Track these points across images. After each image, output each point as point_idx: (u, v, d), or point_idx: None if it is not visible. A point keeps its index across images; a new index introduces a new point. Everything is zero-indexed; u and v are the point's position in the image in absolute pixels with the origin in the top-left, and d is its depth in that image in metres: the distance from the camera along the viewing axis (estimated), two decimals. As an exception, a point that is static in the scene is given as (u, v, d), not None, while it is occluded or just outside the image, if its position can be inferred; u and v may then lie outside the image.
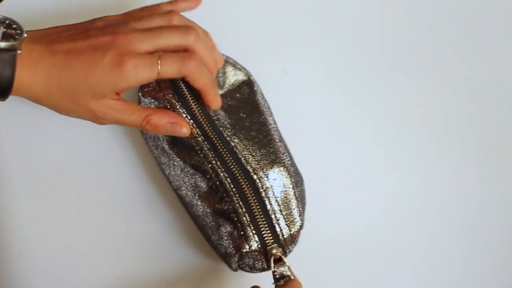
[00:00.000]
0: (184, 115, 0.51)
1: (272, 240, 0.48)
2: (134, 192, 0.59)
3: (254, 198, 0.49)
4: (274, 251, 0.48)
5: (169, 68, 0.48)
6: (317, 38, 0.63)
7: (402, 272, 0.61)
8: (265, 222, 0.49)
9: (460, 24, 0.65)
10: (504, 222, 0.62)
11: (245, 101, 0.54)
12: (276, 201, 0.49)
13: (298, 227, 0.50)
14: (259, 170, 0.50)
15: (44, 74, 0.47)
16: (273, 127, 0.53)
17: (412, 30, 0.65)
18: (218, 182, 0.50)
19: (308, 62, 0.63)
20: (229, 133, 0.51)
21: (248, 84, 0.55)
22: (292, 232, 0.49)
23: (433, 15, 0.65)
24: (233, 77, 0.55)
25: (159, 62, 0.48)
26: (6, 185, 0.58)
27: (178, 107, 0.51)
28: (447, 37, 0.65)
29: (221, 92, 0.54)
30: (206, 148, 0.50)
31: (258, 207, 0.49)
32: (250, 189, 0.49)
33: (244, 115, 0.53)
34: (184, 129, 0.50)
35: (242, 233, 0.48)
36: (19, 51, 0.46)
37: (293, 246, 0.50)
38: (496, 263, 0.62)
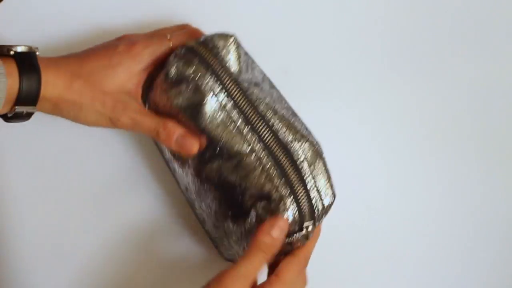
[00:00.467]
0: (216, 83, 0.50)
1: (308, 211, 0.48)
2: (139, 192, 0.59)
3: (292, 169, 0.49)
4: (306, 223, 0.48)
5: (179, 40, 0.52)
6: (317, 38, 0.63)
7: (402, 272, 0.61)
8: (303, 193, 0.48)
9: (460, 24, 0.65)
10: (504, 222, 0.62)
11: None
12: (311, 173, 0.49)
13: (331, 200, 0.50)
14: (295, 142, 0.50)
15: (65, 69, 0.50)
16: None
17: (413, 30, 0.65)
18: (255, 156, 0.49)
19: (308, 62, 0.63)
20: (264, 106, 0.51)
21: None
22: (325, 205, 0.49)
23: (433, 16, 0.65)
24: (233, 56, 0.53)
25: (169, 36, 0.53)
26: (6, 185, 0.58)
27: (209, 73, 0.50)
28: (447, 38, 0.65)
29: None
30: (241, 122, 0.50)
31: (297, 179, 0.48)
32: (288, 161, 0.49)
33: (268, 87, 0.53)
34: (195, 146, 0.50)
35: (280, 205, 0.48)
36: (37, 52, 0.49)
37: (324, 218, 0.50)
38: (496, 263, 0.62)
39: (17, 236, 0.57)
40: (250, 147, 0.49)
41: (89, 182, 0.58)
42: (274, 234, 0.46)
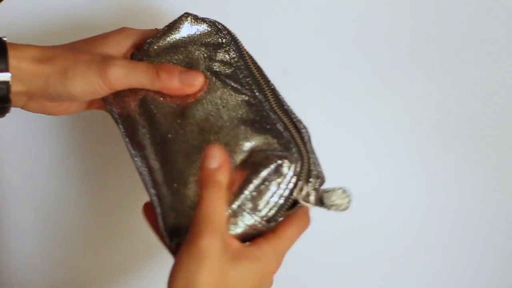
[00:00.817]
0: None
1: (306, 173, 0.47)
2: (135, 190, 0.59)
3: (295, 130, 0.49)
4: (301, 182, 0.47)
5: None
6: (317, 38, 0.63)
7: (401, 270, 0.61)
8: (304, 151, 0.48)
9: (460, 24, 0.65)
10: (504, 222, 0.62)
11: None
12: (311, 146, 0.50)
13: (322, 181, 0.49)
14: (292, 112, 0.51)
15: (40, 49, 0.47)
16: None
17: (413, 30, 0.65)
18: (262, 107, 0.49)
19: (308, 62, 0.63)
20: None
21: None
22: (319, 170, 0.49)
23: (433, 16, 0.65)
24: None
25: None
26: (6, 186, 0.58)
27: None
28: (447, 38, 0.65)
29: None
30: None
31: (299, 139, 0.49)
32: (290, 123, 0.49)
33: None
34: (200, 77, 0.48)
35: (290, 145, 0.47)
36: (4, 38, 0.47)
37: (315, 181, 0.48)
38: (496, 263, 0.62)
39: (17, 236, 0.57)
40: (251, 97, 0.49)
41: (89, 183, 0.58)
42: (213, 164, 0.44)
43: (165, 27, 0.51)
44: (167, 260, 0.58)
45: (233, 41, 0.53)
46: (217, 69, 0.51)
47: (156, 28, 0.52)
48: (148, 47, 0.50)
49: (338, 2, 0.64)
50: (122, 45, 0.50)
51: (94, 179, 0.58)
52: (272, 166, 0.45)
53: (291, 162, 0.46)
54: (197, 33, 0.52)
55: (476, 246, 0.62)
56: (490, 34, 0.65)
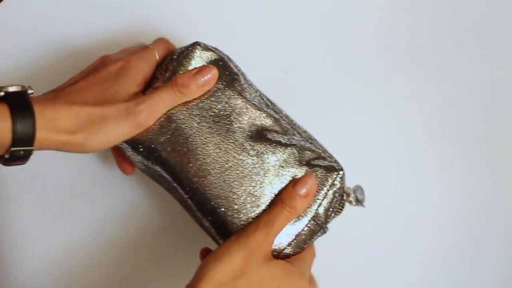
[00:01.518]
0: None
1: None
2: (136, 192, 0.59)
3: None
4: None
5: (161, 48, 0.53)
6: (317, 38, 0.63)
7: (402, 270, 0.61)
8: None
9: (460, 24, 0.65)
10: (504, 222, 0.62)
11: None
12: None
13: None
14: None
15: (64, 99, 0.48)
16: None
17: (413, 30, 0.65)
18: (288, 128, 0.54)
19: (308, 62, 0.63)
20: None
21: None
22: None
23: (433, 16, 0.65)
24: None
25: (151, 46, 0.53)
26: (6, 187, 0.58)
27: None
28: (447, 38, 0.65)
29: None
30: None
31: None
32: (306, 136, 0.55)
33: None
34: (213, 69, 0.51)
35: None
36: (30, 91, 0.47)
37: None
38: (497, 263, 0.62)
39: (16, 237, 0.57)
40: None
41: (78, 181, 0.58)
42: (301, 191, 0.49)
43: (177, 54, 0.53)
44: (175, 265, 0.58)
45: (241, 72, 0.55)
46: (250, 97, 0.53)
47: (147, 46, 0.53)
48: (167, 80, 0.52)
49: (338, 2, 0.64)
50: (135, 83, 0.50)
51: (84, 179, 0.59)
52: (330, 181, 0.52)
53: (338, 172, 0.53)
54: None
55: (477, 246, 0.62)
56: (490, 34, 0.65)
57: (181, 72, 0.51)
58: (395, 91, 0.63)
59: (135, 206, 0.59)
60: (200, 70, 0.50)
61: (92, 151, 0.48)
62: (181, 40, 0.61)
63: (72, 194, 0.58)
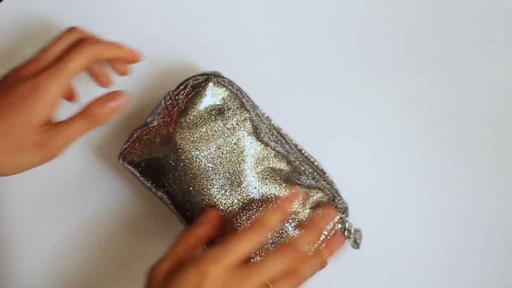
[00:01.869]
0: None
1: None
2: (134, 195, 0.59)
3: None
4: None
5: (81, 58, 0.49)
6: (317, 38, 0.63)
7: (402, 272, 0.61)
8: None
9: (459, 24, 0.65)
10: (504, 222, 0.62)
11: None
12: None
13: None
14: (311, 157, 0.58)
15: None
16: None
17: (413, 29, 0.65)
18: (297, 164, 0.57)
19: (308, 62, 0.63)
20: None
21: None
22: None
23: (432, 16, 0.65)
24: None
25: (67, 58, 0.49)
26: (6, 188, 0.58)
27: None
28: (446, 38, 0.65)
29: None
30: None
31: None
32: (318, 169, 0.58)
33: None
34: (124, 96, 0.50)
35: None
36: None
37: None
38: (497, 263, 0.62)
39: (16, 238, 0.57)
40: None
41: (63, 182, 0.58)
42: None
43: (189, 88, 0.54)
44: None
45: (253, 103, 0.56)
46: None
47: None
48: (185, 119, 0.53)
49: (338, 2, 0.64)
50: (45, 104, 0.49)
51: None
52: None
53: (342, 211, 0.56)
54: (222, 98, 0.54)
55: (477, 246, 0.62)
56: (490, 34, 0.65)
57: (192, 109, 0.53)
58: (396, 92, 0.63)
59: (130, 202, 0.59)
60: (110, 96, 0.50)
61: (3, 176, 0.49)
62: (181, 41, 0.61)
63: (66, 191, 0.59)
